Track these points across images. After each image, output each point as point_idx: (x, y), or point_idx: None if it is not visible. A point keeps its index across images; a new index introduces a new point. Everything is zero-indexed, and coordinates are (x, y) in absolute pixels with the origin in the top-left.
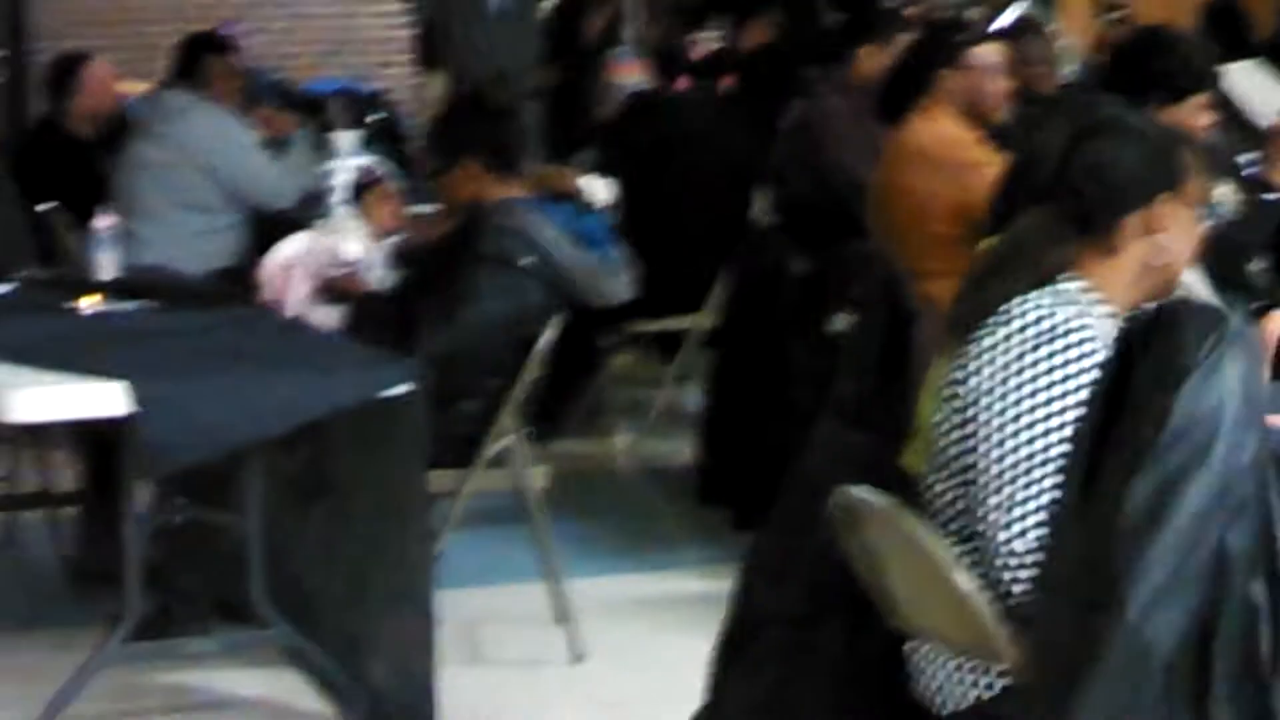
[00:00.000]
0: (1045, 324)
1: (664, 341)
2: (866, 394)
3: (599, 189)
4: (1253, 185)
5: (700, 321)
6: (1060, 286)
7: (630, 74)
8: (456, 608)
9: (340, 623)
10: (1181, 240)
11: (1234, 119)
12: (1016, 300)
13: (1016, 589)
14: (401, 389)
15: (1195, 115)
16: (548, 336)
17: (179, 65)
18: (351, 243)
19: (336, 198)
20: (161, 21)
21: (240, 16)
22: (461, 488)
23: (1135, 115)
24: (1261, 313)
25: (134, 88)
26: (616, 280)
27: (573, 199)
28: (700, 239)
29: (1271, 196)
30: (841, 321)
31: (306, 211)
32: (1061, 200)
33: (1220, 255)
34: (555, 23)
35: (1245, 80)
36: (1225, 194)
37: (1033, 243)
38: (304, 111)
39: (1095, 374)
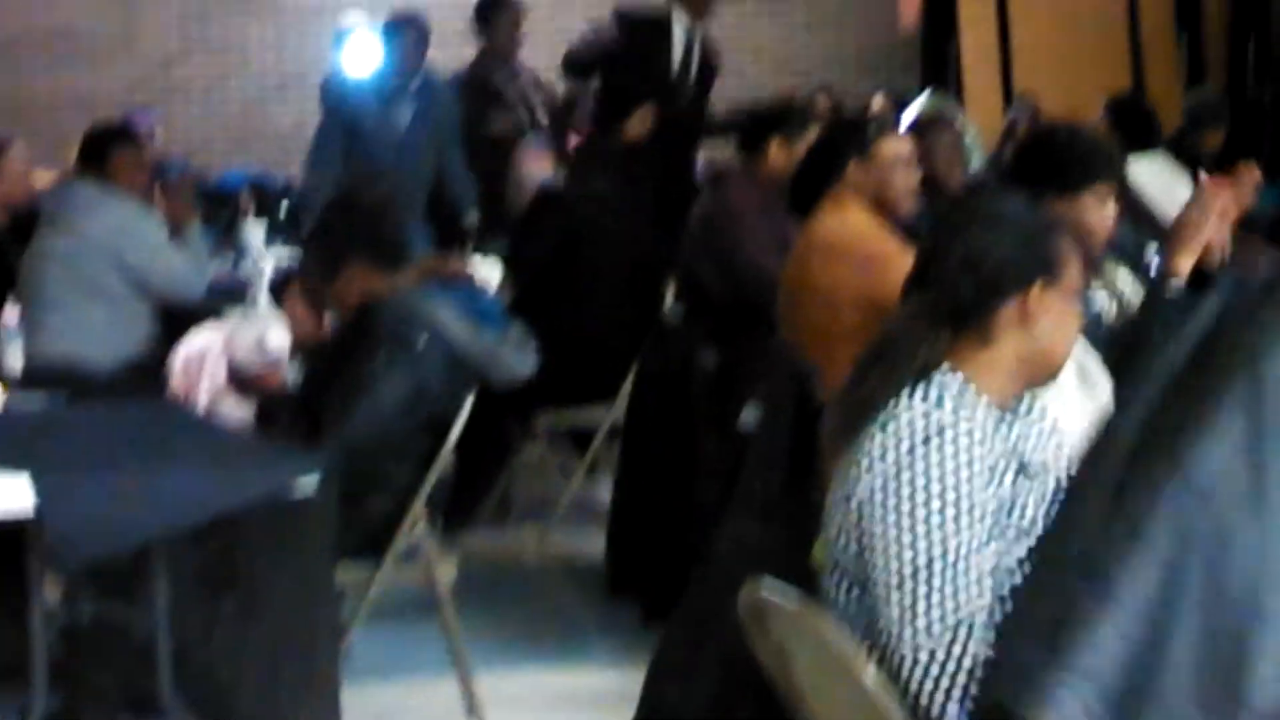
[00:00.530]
0: (922, 426)
1: (574, 434)
2: (775, 489)
3: (490, 271)
4: (1156, 275)
5: (611, 414)
6: (939, 380)
7: (540, 165)
8: (366, 701)
9: (251, 716)
10: (1058, 329)
11: (1139, 213)
12: (893, 401)
13: (921, 690)
14: (310, 483)
15: (1093, 207)
16: (455, 428)
17: (87, 156)
18: (274, 334)
19: (256, 292)
20: (72, 111)
21: (151, 106)
22: (371, 581)
23: (1012, 204)
24: None
25: (43, 178)
26: (516, 357)
27: (464, 282)
28: (611, 332)
29: (1173, 287)
30: (751, 416)
31: (214, 303)
32: (935, 292)
33: (1130, 340)
34: (466, 115)
35: (1150, 175)
36: (1126, 285)
37: (908, 336)
38: (214, 202)
39: (979, 471)
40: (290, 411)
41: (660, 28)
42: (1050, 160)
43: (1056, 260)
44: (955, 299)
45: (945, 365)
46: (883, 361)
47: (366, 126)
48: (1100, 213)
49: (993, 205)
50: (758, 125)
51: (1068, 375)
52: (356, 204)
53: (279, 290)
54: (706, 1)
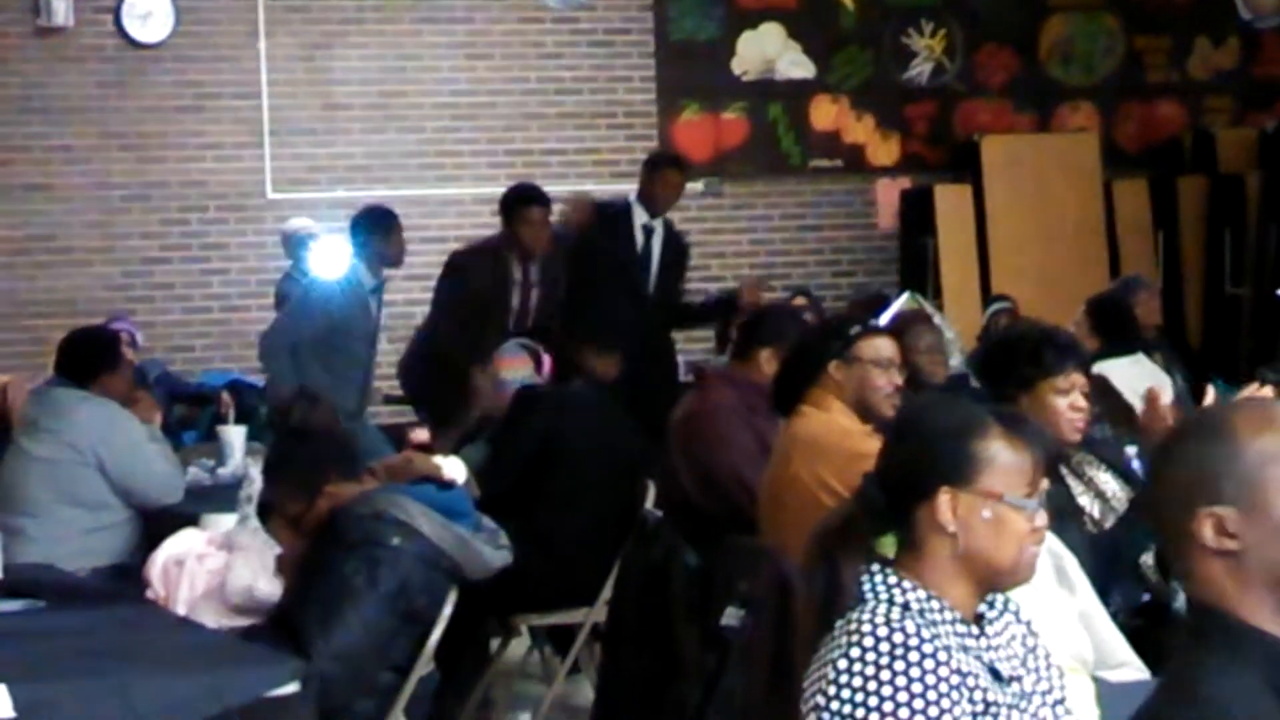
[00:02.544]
0: (888, 649)
1: (555, 634)
2: (756, 691)
3: (457, 468)
4: (1138, 479)
5: (592, 615)
6: (901, 592)
7: (517, 368)
8: None
9: None
10: (989, 531)
11: (1120, 411)
12: (858, 614)
13: None
14: (290, 688)
15: (1052, 400)
16: (437, 629)
17: (66, 360)
18: (263, 582)
19: (244, 512)
20: (51, 315)
21: (131, 310)
22: None
23: (928, 410)
24: (1151, 605)
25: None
26: (489, 550)
27: (431, 480)
28: (591, 532)
29: None
30: (732, 616)
31: (193, 506)
32: (863, 499)
33: (1113, 547)
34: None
35: (1129, 374)
36: (1113, 490)
37: (842, 540)
38: (194, 404)
39: (946, 691)
40: (274, 630)
41: (619, 219)
42: (1008, 359)
43: (966, 464)
44: (870, 506)
45: (902, 575)
46: (831, 561)
47: (352, 325)
48: (1059, 405)
49: (908, 413)
50: (750, 335)
51: (1043, 575)
52: (311, 428)
53: (263, 512)
54: (663, 200)
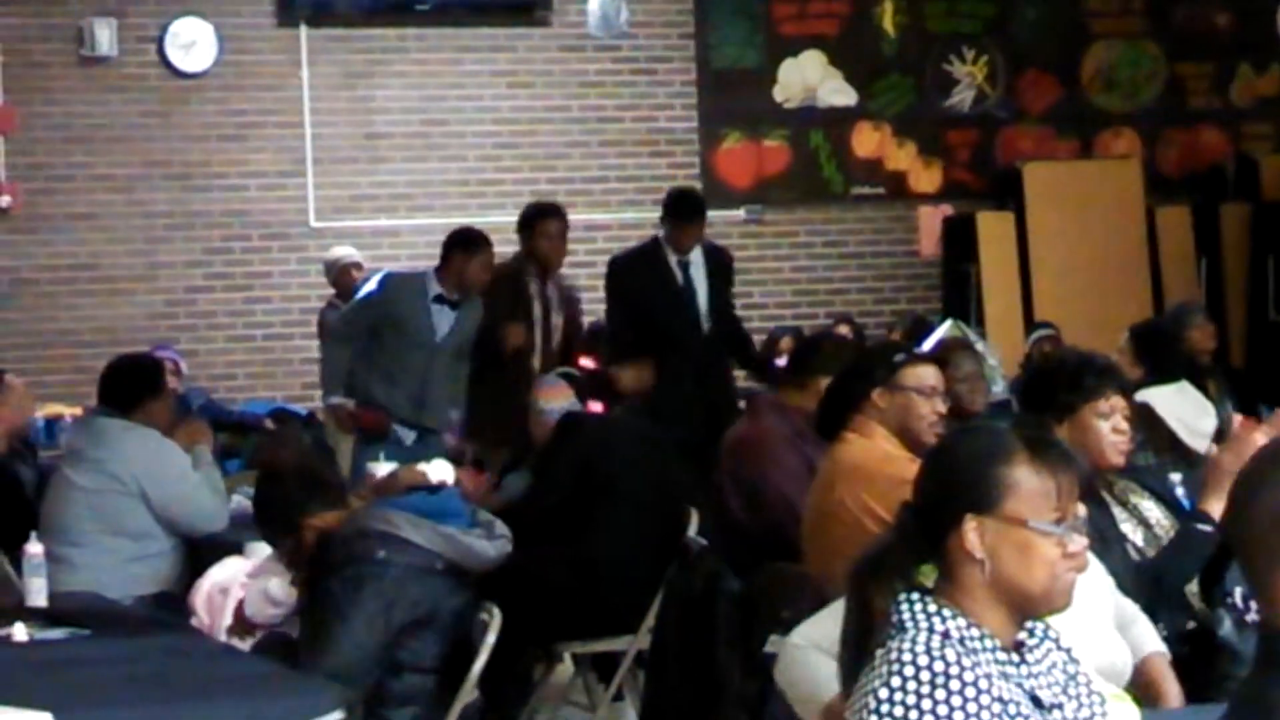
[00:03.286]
0: (928, 679)
1: (599, 662)
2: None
3: (442, 470)
4: (1187, 514)
5: (635, 642)
6: (942, 620)
7: (558, 397)
8: None
9: None
10: (1020, 557)
11: (1164, 439)
12: (898, 641)
13: None
14: (333, 716)
15: (1092, 424)
16: (481, 657)
17: (109, 389)
18: (275, 584)
19: None
20: (95, 344)
21: (174, 339)
22: None
23: (956, 438)
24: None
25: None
26: (483, 542)
27: (420, 488)
28: (635, 560)
29: (1204, 528)
30: (775, 643)
31: (237, 534)
32: (900, 528)
33: (1157, 575)
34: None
35: (1173, 402)
36: (1156, 518)
37: (881, 569)
38: (236, 433)
39: (993, 711)
40: (284, 653)
41: (653, 258)
42: (1047, 387)
43: (990, 490)
44: (906, 535)
45: (941, 603)
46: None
47: (406, 325)
48: (1102, 429)
49: (940, 441)
50: (806, 363)
51: (1086, 605)
52: (280, 466)
53: None
54: (687, 240)
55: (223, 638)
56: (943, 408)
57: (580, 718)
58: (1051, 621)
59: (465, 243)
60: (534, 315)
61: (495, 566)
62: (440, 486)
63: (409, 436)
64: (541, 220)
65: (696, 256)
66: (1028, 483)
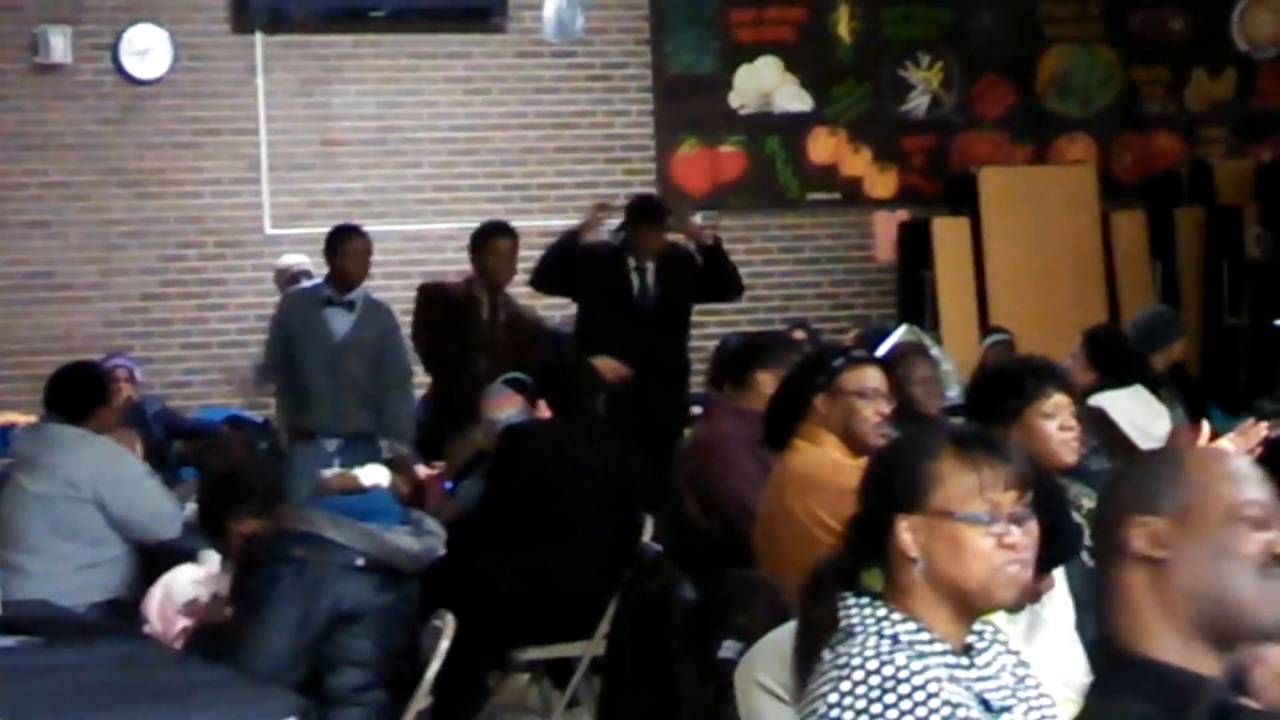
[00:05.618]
0: (877, 683)
1: (554, 669)
2: None
3: (375, 473)
4: None
5: (590, 648)
6: (891, 626)
7: (506, 406)
8: None
9: None
10: (943, 553)
11: (1118, 443)
12: (853, 648)
13: None
14: None
15: (1039, 426)
16: (434, 665)
17: (60, 397)
18: (179, 582)
19: None
20: (50, 352)
21: (129, 346)
22: None
23: (897, 438)
24: None
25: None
26: (410, 538)
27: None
28: (589, 566)
29: None
30: (730, 649)
31: (189, 541)
32: (846, 535)
33: None
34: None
35: (1127, 406)
36: None
37: (832, 577)
38: (192, 440)
39: (943, 715)
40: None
41: (617, 259)
42: (991, 396)
43: (916, 486)
44: (851, 541)
45: (890, 607)
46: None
47: (305, 337)
48: (1049, 429)
49: (880, 446)
50: (742, 359)
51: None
52: (212, 470)
53: None
54: (650, 250)
55: (177, 645)
56: (887, 409)
57: None
58: (1013, 632)
59: (334, 237)
60: (483, 333)
61: (434, 566)
62: (374, 489)
63: (331, 444)
64: (492, 238)
65: (650, 269)
66: (953, 475)
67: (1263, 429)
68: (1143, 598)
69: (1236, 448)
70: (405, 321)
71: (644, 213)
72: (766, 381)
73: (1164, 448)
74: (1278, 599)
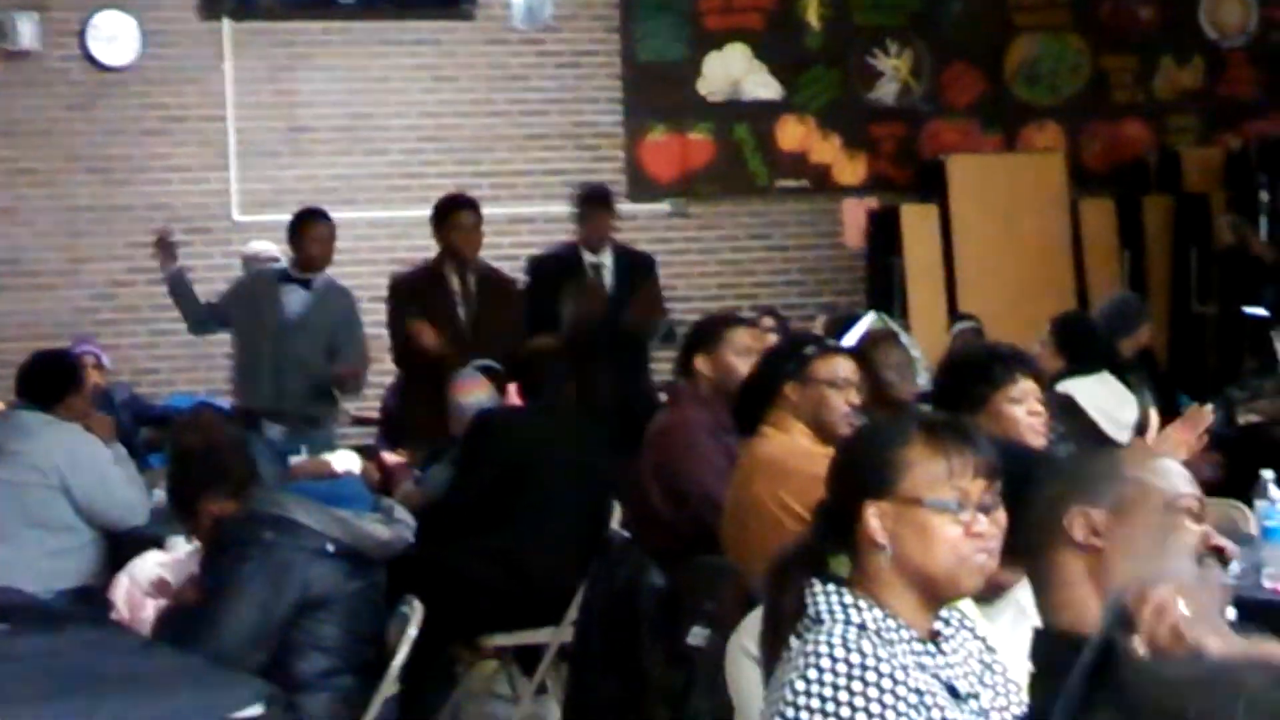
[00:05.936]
0: (844, 670)
1: (522, 655)
2: (724, 710)
3: (347, 460)
4: None
5: (558, 635)
6: (856, 611)
7: (474, 392)
8: None
9: None
10: (910, 540)
11: (1086, 430)
12: (820, 635)
13: None
14: (253, 710)
15: (1007, 412)
16: (402, 651)
17: (29, 383)
18: (142, 567)
19: None
20: (17, 339)
21: (97, 333)
22: None
23: (865, 425)
24: None
25: None
26: (379, 526)
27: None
28: (557, 552)
29: None
30: (698, 636)
31: (158, 528)
32: (814, 522)
33: None
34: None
35: (1094, 392)
36: None
37: (800, 564)
38: (160, 427)
39: (904, 710)
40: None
41: (572, 262)
42: (958, 382)
43: (884, 473)
44: (819, 528)
45: (857, 594)
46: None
47: (256, 306)
48: (1017, 414)
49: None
50: (685, 349)
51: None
52: (183, 449)
53: None
54: (595, 233)
55: (144, 631)
56: (856, 399)
57: (504, 710)
58: (999, 622)
59: (297, 221)
60: (456, 310)
61: (402, 553)
62: (346, 475)
63: (274, 430)
64: (454, 213)
65: (608, 264)
66: (921, 462)
67: (1208, 414)
68: (1080, 583)
69: (1183, 433)
70: (374, 309)
71: (591, 200)
72: (704, 365)
73: (1105, 445)
74: (1216, 585)
